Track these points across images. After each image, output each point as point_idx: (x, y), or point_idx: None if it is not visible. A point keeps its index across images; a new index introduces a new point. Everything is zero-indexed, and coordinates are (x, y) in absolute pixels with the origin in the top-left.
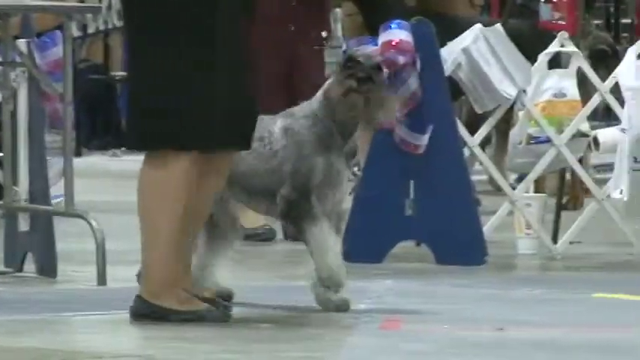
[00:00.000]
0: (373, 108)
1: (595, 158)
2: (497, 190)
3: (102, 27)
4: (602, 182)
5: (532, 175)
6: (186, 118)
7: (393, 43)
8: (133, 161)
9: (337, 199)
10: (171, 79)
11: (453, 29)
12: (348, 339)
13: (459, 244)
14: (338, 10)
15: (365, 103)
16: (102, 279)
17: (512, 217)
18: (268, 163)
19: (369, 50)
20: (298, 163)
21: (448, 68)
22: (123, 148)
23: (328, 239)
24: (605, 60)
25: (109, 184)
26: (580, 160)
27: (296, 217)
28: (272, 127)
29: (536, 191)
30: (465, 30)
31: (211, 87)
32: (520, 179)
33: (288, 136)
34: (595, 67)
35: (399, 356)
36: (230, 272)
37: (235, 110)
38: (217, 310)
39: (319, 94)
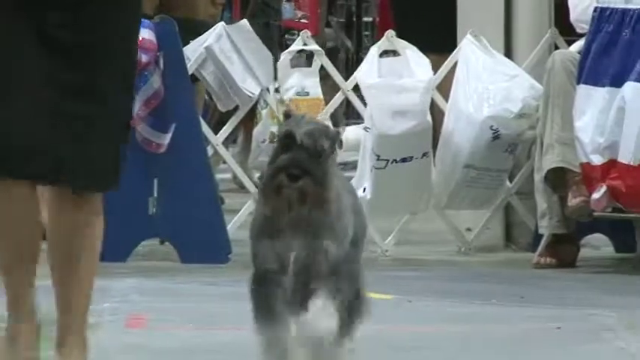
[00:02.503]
0: (309, 204)
1: (338, 156)
2: (241, 188)
3: None
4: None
5: None
6: None
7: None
8: None
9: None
10: None
11: (196, 28)
12: (92, 338)
13: (203, 243)
14: None
15: (299, 199)
16: None
17: None
18: None
19: (311, 125)
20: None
21: (191, 66)
22: None
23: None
24: (337, 57)
25: None
26: None
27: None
28: None
29: None
30: (208, 29)
31: None
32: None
33: None
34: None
35: (144, 355)
36: None
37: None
38: None
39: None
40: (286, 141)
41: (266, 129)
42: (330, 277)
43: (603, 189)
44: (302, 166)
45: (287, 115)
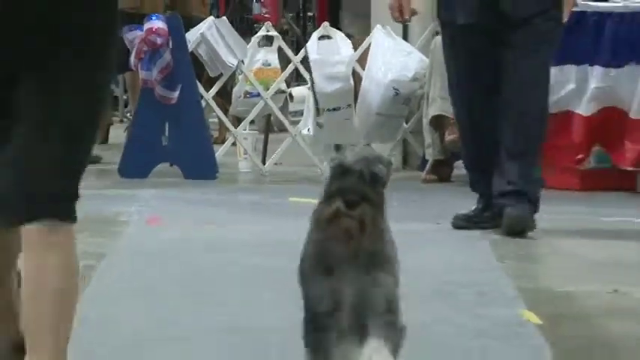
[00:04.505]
0: (367, 233)
1: (291, 107)
2: (226, 128)
3: None
4: (295, 123)
5: (248, 118)
6: None
7: (154, 29)
8: None
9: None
10: None
11: (193, 21)
12: (124, 230)
13: (199, 165)
14: None
15: (358, 227)
16: None
17: (235, 146)
18: None
19: (364, 152)
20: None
21: (190, 47)
22: None
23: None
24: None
25: None
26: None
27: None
28: None
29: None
30: (201, 21)
31: None
32: (239, 121)
33: None
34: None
35: (157, 241)
36: None
37: None
38: None
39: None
40: (339, 170)
41: (241, 88)
42: (385, 313)
43: None
44: (359, 192)
45: (337, 147)
